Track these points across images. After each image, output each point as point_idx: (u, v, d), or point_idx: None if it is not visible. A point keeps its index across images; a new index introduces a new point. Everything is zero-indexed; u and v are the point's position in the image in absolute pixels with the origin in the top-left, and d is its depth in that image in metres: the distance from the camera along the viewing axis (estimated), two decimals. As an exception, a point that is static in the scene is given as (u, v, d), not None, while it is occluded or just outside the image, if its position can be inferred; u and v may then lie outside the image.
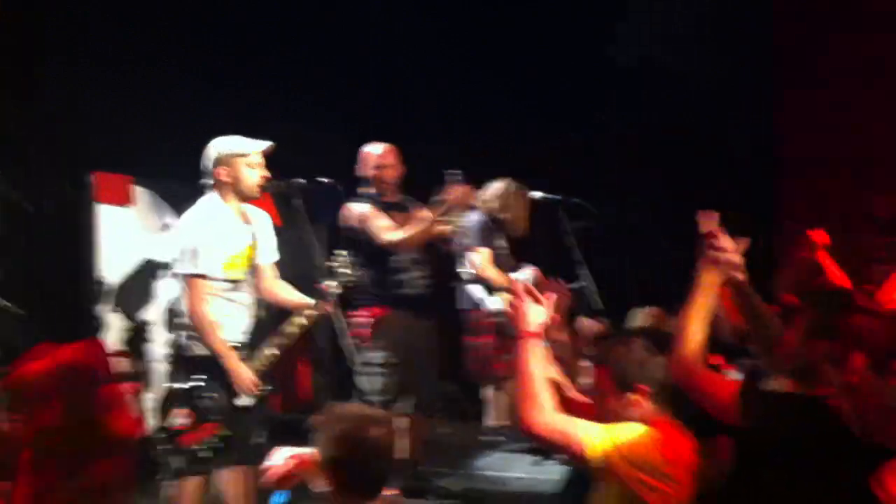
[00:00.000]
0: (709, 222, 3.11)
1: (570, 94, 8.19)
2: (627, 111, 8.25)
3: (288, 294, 4.76)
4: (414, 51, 8.12)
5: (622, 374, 3.12)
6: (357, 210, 5.63)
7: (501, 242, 6.58)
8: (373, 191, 5.70)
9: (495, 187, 6.57)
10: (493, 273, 6.42)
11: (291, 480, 2.82)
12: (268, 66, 7.37)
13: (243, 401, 4.38)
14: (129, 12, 6.64)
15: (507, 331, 6.04)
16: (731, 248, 3.11)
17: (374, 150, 5.85)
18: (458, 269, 6.32)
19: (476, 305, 6.50)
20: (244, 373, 4.40)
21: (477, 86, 8.13)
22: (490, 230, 6.49)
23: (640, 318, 5.10)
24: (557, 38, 8.16)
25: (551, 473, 5.48)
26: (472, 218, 6.47)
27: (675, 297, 4.00)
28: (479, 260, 6.40)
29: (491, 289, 6.46)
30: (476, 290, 6.49)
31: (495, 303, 6.39)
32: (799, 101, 7.81)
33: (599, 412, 3.20)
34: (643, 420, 3.08)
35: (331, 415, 2.70)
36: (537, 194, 6.25)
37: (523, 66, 8.22)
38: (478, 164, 7.01)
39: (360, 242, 5.57)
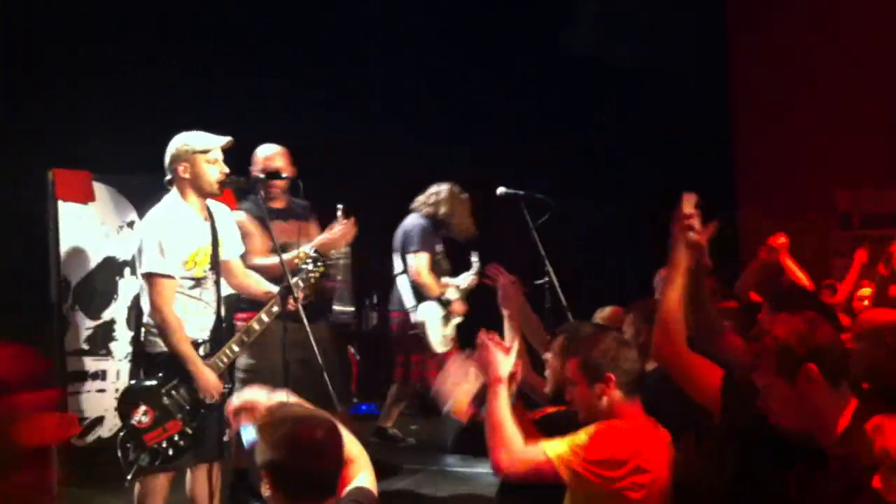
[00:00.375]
0: (689, 203, 3.11)
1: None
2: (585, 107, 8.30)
3: (259, 285, 4.73)
4: (413, 50, 8.16)
5: (592, 364, 3.16)
6: (236, 218, 5.07)
7: (439, 247, 6.74)
8: (260, 195, 4.97)
9: (437, 190, 6.71)
10: (429, 280, 6.56)
11: (245, 415, 2.82)
12: (234, 59, 7.34)
13: (207, 398, 4.34)
14: (89, 6, 6.58)
15: (426, 344, 6.52)
16: (701, 232, 3.12)
17: (263, 152, 5.48)
18: (334, 305, 6.05)
19: (402, 308, 6.64)
20: (208, 377, 4.34)
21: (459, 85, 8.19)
22: (431, 234, 6.64)
23: (599, 317, 5.13)
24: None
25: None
26: (414, 221, 6.64)
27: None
28: (416, 265, 6.53)
29: (422, 296, 6.58)
30: (407, 295, 6.62)
31: (422, 313, 6.54)
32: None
33: (571, 403, 3.26)
34: (611, 409, 3.12)
35: (271, 417, 2.57)
36: (501, 190, 6.25)
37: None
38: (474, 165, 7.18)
39: None
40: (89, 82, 6.60)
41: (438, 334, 6.60)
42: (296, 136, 5.77)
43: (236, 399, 2.91)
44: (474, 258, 6.82)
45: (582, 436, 3.04)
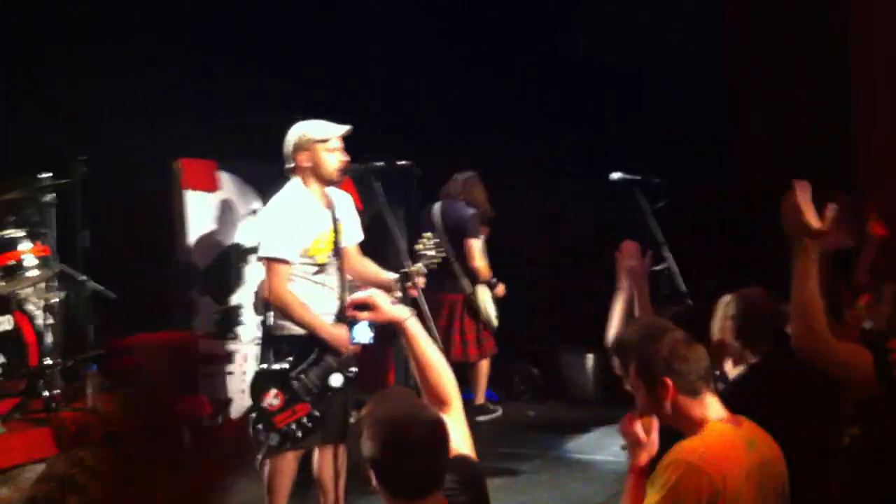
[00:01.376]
0: (803, 192, 2.99)
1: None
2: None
3: (376, 272, 4.82)
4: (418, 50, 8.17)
5: (647, 367, 2.96)
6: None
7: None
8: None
9: (468, 178, 7.29)
10: (483, 264, 7.12)
11: (363, 312, 2.91)
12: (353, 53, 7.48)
13: (335, 380, 4.44)
14: (223, 9, 6.80)
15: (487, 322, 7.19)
16: (816, 220, 3.01)
17: None
18: None
19: (459, 291, 7.13)
20: (338, 333, 4.47)
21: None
22: (480, 220, 7.18)
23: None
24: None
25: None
26: (464, 210, 7.11)
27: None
28: (475, 250, 7.06)
29: (475, 279, 7.08)
30: (464, 279, 7.13)
31: (480, 294, 7.16)
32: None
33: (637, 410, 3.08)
34: (678, 414, 2.94)
35: (374, 412, 2.56)
36: (616, 175, 6.19)
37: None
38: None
39: None
40: (211, 72, 6.81)
41: (493, 312, 7.19)
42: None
43: (359, 294, 2.99)
44: None
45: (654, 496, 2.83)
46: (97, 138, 5.99)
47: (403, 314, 2.91)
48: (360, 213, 5.01)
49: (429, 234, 4.79)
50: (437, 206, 7.23)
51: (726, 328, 3.89)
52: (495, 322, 7.22)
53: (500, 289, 7.28)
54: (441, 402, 2.83)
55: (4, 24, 6.22)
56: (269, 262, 4.48)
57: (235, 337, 6.61)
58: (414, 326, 2.89)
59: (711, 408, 2.93)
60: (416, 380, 2.93)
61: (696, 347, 2.99)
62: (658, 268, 5.98)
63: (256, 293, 6.60)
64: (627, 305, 4.27)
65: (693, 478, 2.75)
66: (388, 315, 2.92)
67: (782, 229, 2.99)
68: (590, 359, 8.07)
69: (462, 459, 2.68)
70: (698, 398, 2.92)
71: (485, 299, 7.16)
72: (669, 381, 2.89)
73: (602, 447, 6.50)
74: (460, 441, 2.71)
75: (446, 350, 6.85)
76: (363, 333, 2.96)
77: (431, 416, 2.56)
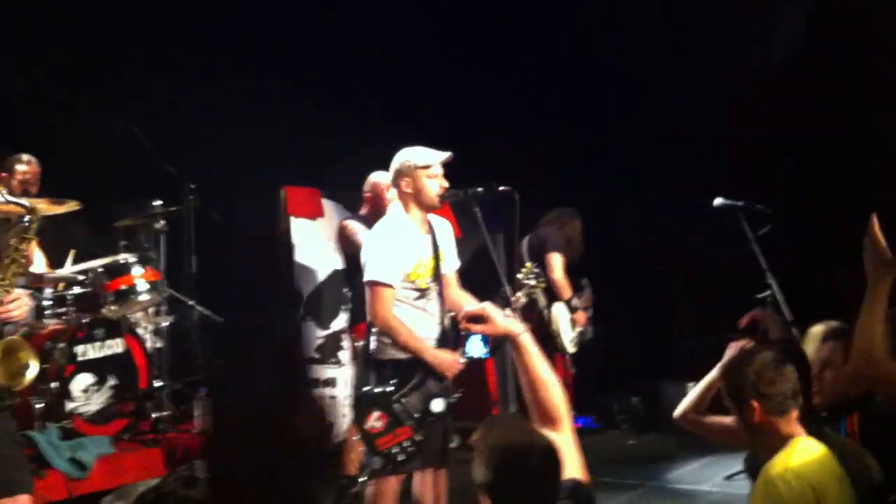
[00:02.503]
0: (875, 224, 3.04)
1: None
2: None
3: (470, 304, 4.83)
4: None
5: (735, 390, 3.09)
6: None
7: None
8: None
9: (563, 212, 7.26)
10: (563, 279, 6.93)
11: (476, 324, 2.91)
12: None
13: (436, 405, 4.46)
14: (324, 37, 6.93)
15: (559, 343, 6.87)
16: (887, 251, 3.03)
17: None
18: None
19: (533, 310, 6.79)
20: (444, 357, 4.48)
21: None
22: (564, 241, 7.04)
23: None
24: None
25: (745, 488, 5.34)
26: (548, 229, 7.03)
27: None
28: (556, 264, 6.88)
29: (552, 297, 6.88)
30: (539, 296, 6.79)
31: (555, 313, 6.93)
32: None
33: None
34: (772, 436, 3.01)
35: (487, 438, 2.53)
36: (718, 201, 6.10)
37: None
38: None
39: None
40: (315, 104, 6.96)
41: (569, 335, 6.95)
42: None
43: (473, 306, 3.01)
44: (584, 282, 7.31)
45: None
46: (206, 167, 6.17)
47: (517, 328, 2.89)
48: (459, 240, 5.03)
49: (529, 265, 4.79)
50: (526, 238, 7.14)
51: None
52: (570, 347, 6.97)
53: (581, 316, 7.06)
54: (551, 421, 2.79)
55: (119, 63, 6.50)
56: (374, 286, 4.53)
57: (338, 361, 6.70)
58: (527, 341, 2.87)
59: (798, 425, 3.05)
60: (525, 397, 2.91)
61: (786, 367, 3.08)
62: (762, 295, 5.89)
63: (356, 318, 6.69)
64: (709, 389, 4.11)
65: (795, 488, 2.84)
66: (502, 328, 2.90)
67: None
68: (690, 388, 7.91)
69: (575, 484, 2.64)
70: (786, 416, 3.03)
71: (560, 319, 6.92)
72: (756, 404, 3.02)
73: (704, 478, 6.37)
74: (571, 463, 2.67)
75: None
76: (477, 347, 2.96)
77: (546, 442, 2.53)
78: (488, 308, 2.96)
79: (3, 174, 5.62)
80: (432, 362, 4.47)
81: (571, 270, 7.16)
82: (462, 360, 4.52)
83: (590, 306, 7.26)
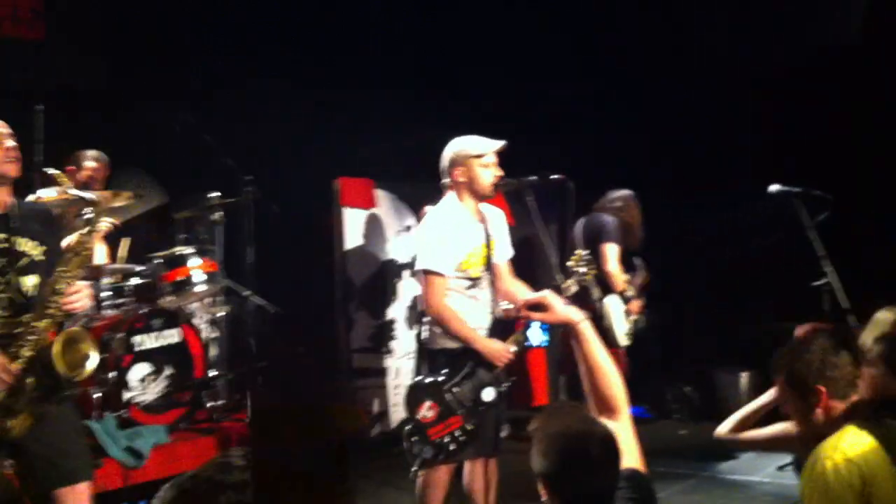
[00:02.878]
0: None
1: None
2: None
3: (523, 293, 4.85)
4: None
5: (799, 377, 2.99)
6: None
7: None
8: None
9: (622, 195, 6.85)
10: (618, 271, 6.57)
11: (536, 313, 2.91)
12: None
13: (487, 394, 4.48)
14: (372, 32, 6.96)
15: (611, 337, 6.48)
16: None
17: None
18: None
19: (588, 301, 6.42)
20: (495, 346, 4.49)
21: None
22: (621, 232, 6.67)
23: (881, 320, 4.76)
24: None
25: (797, 478, 5.29)
26: (605, 218, 6.67)
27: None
28: (610, 255, 6.54)
29: (606, 289, 6.52)
30: (592, 287, 6.41)
31: (608, 305, 6.53)
32: None
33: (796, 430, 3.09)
34: (831, 424, 2.93)
35: (546, 426, 2.52)
36: (774, 187, 6.02)
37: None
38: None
39: None
40: (370, 97, 7.01)
41: (623, 328, 6.64)
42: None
43: (533, 294, 3.02)
44: (638, 261, 6.94)
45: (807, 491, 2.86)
46: (263, 159, 6.24)
47: (577, 317, 2.88)
48: (513, 229, 5.03)
49: (580, 252, 4.78)
50: (580, 221, 6.87)
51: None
52: (623, 339, 6.69)
53: (635, 305, 6.77)
54: (610, 410, 2.79)
55: (179, 58, 6.60)
56: (427, 274, 4.55)
57: (389, 351, 6.74)
58: (587, 330, 2.86)
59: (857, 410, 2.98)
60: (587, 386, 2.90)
61: (843, 353, 3.02)
62: (818, 283, 5.81)
63: (410, 308, 6.72)
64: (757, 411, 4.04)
65: (843, 471, 2.78)
66: (562, 316, 2.91)
67: None
68: (744, 378, 7.86)
69: (634, 473, 2.63)
70: (847, 401, 2.97)
71: (613, 312, 6.63)
72: (823, 389, 2.95)
73: (757, 468, 6.32)
74: (629, 452, 2.66)
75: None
76: (536, 335, 2.97)
77: (605, 431, 2.52)
78: (549, 296, 2.95)
79: (70, 167, 5.72)
80: (483, 351, 4.48)
81: (628, 256, 7.00)
82: (513, 350, 4.54)
83: (646, 286, 7.00)
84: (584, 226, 6.78)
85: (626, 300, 6.74)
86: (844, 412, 2.97)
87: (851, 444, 2.85)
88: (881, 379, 3.51)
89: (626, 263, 6.93)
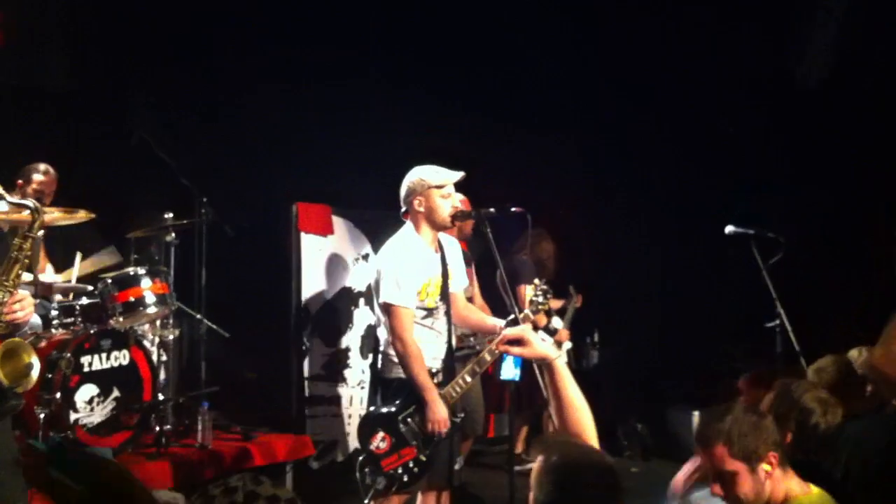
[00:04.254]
0: None
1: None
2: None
3: (478, 316, 4.83)
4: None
5: (747, 447, 2.91)
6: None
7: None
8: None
9: (535, 233, 6.90)
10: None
11: (514, 347, 2.91)
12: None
13: (435, 431, 4.44)
14: (333, 57, 6.95)
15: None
16: None
17: None
18: None
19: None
20: (440, 410, 4.40)
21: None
22: (534, 270, 6.84)
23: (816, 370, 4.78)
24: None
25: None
26: (519, 259, 6.86)
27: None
28: (526, 296, 6.51)
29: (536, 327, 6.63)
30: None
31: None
32: None
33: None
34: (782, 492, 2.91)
35: (548, 456, 2.52)
36: (729, 228, 6.09)
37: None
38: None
39: None
40: (331, 121, 6.99)
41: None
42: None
43: (510, 330, 3.01)
44: (571, 288, 7.32)
45: None
46: (220, 181, 6.18)
47: (553, 353, 2.90)
48: (468, 259, 5.03)
49: (538, 281, 4.78)
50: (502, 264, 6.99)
51: None
52: None
53: (564, 333, 7.07)
54: None
55: (136, 77, 6.55)
56: (392, 307, 4.50)
57: (343, 379, 6.69)
58: (562, 366, 2.87)
59: (794, 479, 2.96)
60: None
61: (765, 420, 2.99)
62: (771, 324, 5.86)
63: (364, 336, 6.68)
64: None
65: None
66: (539, 352, 2.90)
67: None
68: (696, 416, 7.86)
69: None
70: (787, 470, 2.95)
71: None
72: (775, 457, 2.91)
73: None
74: None
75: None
76: (510, 370, 2.96)
77: (606, 460, 2.54)
78: (527, 332, 2.95)
79: (20, 181, 5.66)
80: (429, 405, 4.38)
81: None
82: (456, 420, 4.46)
83: (577, 306, 7.33)
84: (504, 269, 6.83)
85: (552, 332, 6.98)
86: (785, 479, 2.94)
87: None
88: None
89: (558, 292, 7.02)
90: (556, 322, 7.09)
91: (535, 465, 2.50)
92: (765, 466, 2.90)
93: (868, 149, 7.23)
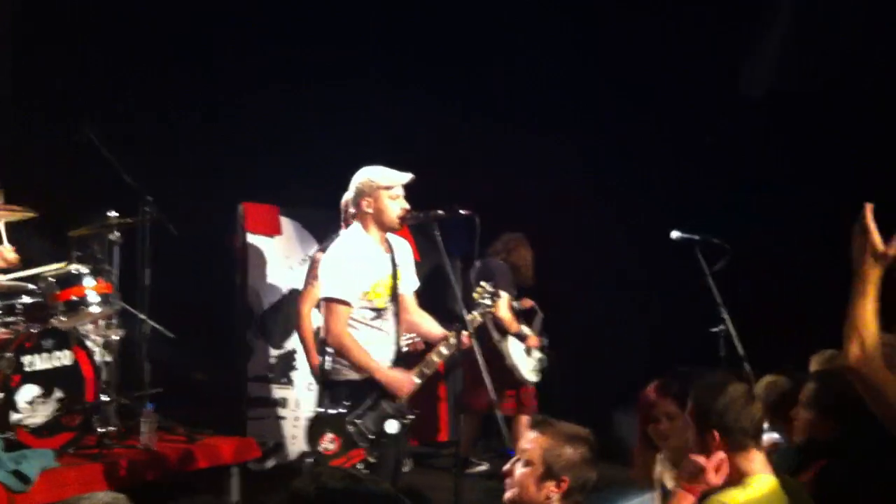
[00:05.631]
0: (870, 213, 2.98)
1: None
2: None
3: (429, 324, 4.82)
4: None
5: (700, 414, 3.09)
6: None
7: (513, 290, 7.00)
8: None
9: (511, 238, 7.12)
10: (507, 315, 6.77)
11: None
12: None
13: (391, 426, 4.43)
14: (283, 57, 6.90)
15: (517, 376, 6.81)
16: (880, 242, 2.99)
17: None
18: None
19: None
20: (396, 377, 4.45)
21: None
22: (509, 276, 6.94)
23: (817, 361, 4.81)
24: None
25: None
26: (493, 263, 6.90)
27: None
28: (502, 302, 6.48)
29: (503, 331, 6.78)
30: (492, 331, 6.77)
31: (508, 346, 6.83)
32: None
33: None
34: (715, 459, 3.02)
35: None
36: (675, 234, 6.15)
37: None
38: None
39: None
40: (277, 119, 6.95)
41: (527, 364, 6.92)
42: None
43: None
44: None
45: None
46: (164, 180, 6.11)
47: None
48: (418, 263, 5.01)
49: (484, 284, 4.80)
50: (475, 265, 6.85)
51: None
52: (530, 375, 6.93)
53: (533, 340, 6.99)
54: None
55: (80, 71, 6.45)
56: (329, 302, 4.49)
57: (289, 381, 6.64)
58: None
59: (756, 462, 3.04)
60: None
61: (754, 405, 3.09)
62: (715, 329, 5.93)
63: (313, 337, 6.64)
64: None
65: None
66: None
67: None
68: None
69: None
70: (744, 452, 3.03)
71: (513, 351, 6.85)
72: (717, 434, 3.01)
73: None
74: None
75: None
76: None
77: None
78: None
79: None
80: (384, 381, 4.43)
81: (523, 294, 7.18)
82: (416, 380, 4.50)
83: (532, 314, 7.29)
84: (478, 271, 6.86)
85: (523, 338, 6.93)
86: (740, 461, 3.01)
87: (750, 496, 2.94)
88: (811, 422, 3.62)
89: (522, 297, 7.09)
90: (525, 329, 7.05)
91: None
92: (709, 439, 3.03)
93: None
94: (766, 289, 7.41)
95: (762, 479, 3.00)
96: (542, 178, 8.17)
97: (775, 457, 3.63)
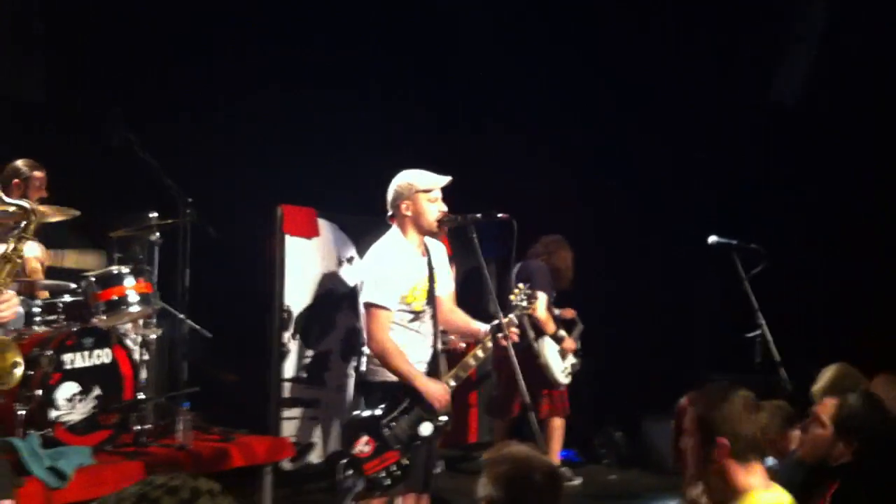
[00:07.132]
0: None
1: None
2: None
3: (466, 322, 4.85)
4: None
5: (707, 422, 2.94)
6: None
7: (552, 291, 7.02)
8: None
9: (553, 240, 7.15)
10: (544, 315, 6.79)
11: None
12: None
13: (425, 429, 4.45)
14: (325, 62, 6.94)
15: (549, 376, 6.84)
16: None
17: None
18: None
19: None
20: (435, 388, 4.47)
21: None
22: (549, 277, 6.94)
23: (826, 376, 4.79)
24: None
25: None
26: (535, 264, 6.91)
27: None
28: (541, 302, 6.55)
29: (539, 331, 6.79)
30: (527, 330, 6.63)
31: (543, 347, 6.86)
32: None
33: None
34: (722, 482, 2.92)
35: (498, 454, 2.68)
36: (712, 238, 6.13)
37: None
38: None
39: None
40: (316, 124, 6.99)
41: (560, 366, 6.92)
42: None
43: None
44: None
45: None
46: (205, 182, 6.17)
47: None
48: (454, 263, 5.04)
49: (522, 286, 4.81)
50: (515, 267, 6.74)
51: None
52: (562, 378, 6.92)
53: (569, 343, 6.99)
54: None
55: (123, 75, 6.53)
56: (371, 307, 4.52)
57: (323, 382, 6.68)
58: None
59: (757, 477, 2.91)
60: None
61: (760, 414, 2.98)
62: (752, 335, 5.90)
63: (343, 340, 6.68)
64: None
65: None
66: None
67: None
68: (673, 426, 7.89)
69: None
70: (746, 465, 2.91)
71: (548, 352, 6.86)
72: (725, 442, 2.88)
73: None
74: None
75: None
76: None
77: (549, 463, 2.68)
78: None
79: (15, 181, 5.65)
80: (423, 391, 4.46)
81: (563, 297, 7.18)
82: (452, 384, 4.53)
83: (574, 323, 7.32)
84: (517, 273, 6.86)
85: (559, 340, 6.94)
86: (741, 474, 2.90)
87: None
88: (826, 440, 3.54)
89: (563, 304, 7.07)
90: (563, 332, 7.06)
91: (484, 463, 2.65)
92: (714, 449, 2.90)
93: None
94: (803, 296, 7.36)
95: (762, 493, 2.89)
96: (579, 181, 8.19)
97: (780, 470, 3.59)
